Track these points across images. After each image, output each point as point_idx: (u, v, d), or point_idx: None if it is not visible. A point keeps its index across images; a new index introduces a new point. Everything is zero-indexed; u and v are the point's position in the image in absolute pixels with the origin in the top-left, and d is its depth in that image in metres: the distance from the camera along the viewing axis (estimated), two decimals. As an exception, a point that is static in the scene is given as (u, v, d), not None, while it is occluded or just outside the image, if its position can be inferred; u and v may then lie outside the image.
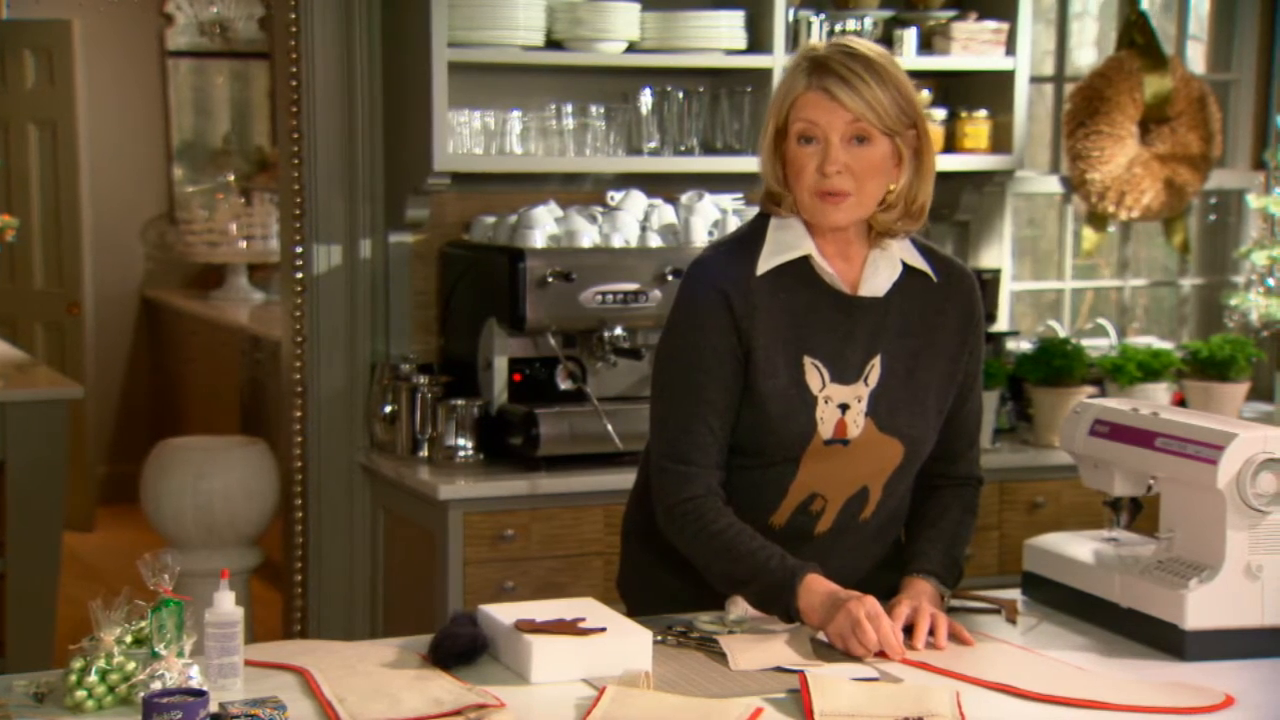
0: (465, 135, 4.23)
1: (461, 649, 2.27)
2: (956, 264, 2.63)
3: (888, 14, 4.65)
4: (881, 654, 2.33)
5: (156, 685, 2.03)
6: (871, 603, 2.36)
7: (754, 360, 2.49)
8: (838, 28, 4.48)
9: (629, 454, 3.88)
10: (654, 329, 4.07)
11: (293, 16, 4.35)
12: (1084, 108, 5.02)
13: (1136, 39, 5.03)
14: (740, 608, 2.50)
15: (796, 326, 2.50)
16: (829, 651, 2.36)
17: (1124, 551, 2.60)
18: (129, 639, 2.12)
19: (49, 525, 4.93)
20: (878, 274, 2.53)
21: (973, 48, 4.64)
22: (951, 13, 4.67)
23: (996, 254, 5.00)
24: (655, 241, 4.25)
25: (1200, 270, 5.47)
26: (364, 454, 4.41)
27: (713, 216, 4.32)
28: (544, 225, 4.18)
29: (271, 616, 5.09)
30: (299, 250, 4.41)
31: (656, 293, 4.13)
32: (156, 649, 2.07)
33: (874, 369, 2.52)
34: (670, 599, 2.61)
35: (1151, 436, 2.50)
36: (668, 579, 2.65)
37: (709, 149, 4.47)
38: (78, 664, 2.09)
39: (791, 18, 4.42)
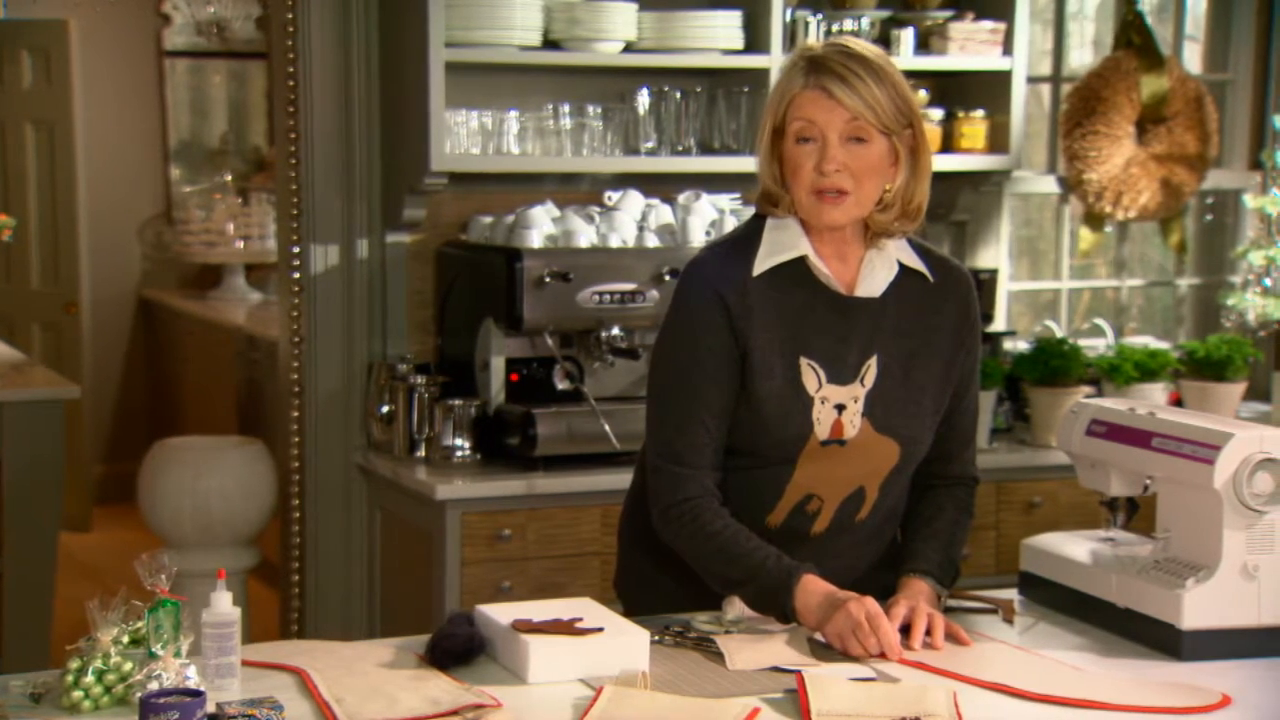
0: (462, 135, 4.23)
1: (459, 649, 2.27)
2: (953, 264, 2.63)
3: (885, 14, 4.65)
4: (879, 654, 2.33)
5: (153, 685, 2.02)
6: (870, 603, 2.36)
7: (750, 361, 2.49)
8: (835, 28, 4.49)
9: (626, 454, 3.87)
10: (651, 329, 4.07)
11: (290, 16, 4.35)
12: (1081, 108, 5.02)
13: (1133, 39, 5.03)
14: (737, 608, 2.50)
15: (792, 327, 2.50)
16: (826, 651, 2.36)
17: (1121, 551, 2.59)
18: (126, 639, 2.12)
19: (46, 525, 4.94)
20: (874, 274, 2.53)
21: (970, 48, 4.64)
22: (948, 13, 4.67)
23: (993, 254, 5.00)
24: (652, 241, 4.25)
25: (1197, 270, 5.47)
26: (361, 454, 4.41)
27: (710, 216, 4.31)
28: (541, 225, 4.17)
29: (268, 617, 5.08)
30: (296, 250, 4.41)
31: (654, 293, 4.13)
32: (153, 649, 2.07)
33: (870, 369, 2.52)
34: (667, 599, 2.61)
35: (1148, 436, 2.50)
36: (665, 579, 2.65)
37: (706, 149, 4.46)
38: (74, 664, 2.09)
39: (788, 18, 4.43)
